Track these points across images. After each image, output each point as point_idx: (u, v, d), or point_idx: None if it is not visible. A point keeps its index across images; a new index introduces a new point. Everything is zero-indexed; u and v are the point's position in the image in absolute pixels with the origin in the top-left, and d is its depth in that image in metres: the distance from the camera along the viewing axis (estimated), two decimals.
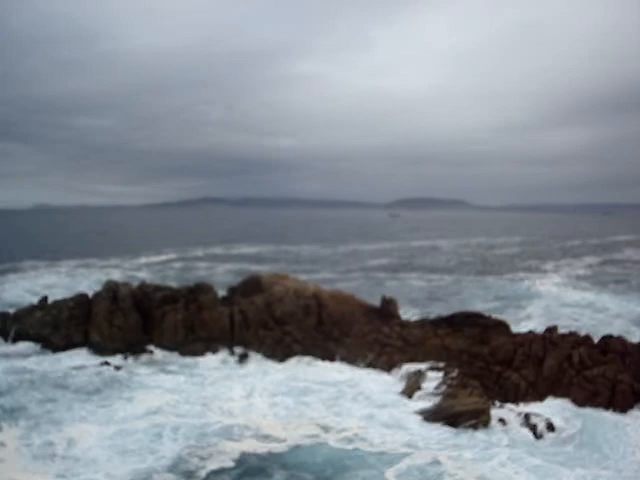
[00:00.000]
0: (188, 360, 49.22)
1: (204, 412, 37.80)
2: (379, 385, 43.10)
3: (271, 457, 31.94)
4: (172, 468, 30.40)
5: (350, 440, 33.74)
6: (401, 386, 42.49)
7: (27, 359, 49.08)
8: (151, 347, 51.41)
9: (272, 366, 47.55)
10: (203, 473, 30.22)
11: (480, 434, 34.93)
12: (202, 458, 31.53)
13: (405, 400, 40.39)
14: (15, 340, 53.89)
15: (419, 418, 37.17)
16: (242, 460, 31.53)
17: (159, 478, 29.53)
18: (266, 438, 34.01)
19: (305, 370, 46.52)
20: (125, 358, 49.47)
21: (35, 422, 35.53)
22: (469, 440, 34.27)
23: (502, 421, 36.02)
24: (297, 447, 32.95)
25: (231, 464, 31.15)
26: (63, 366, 47.24)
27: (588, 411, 38.26)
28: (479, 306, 70.23)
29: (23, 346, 52.84)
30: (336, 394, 41.25)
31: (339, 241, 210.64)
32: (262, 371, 46.49)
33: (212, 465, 30.95)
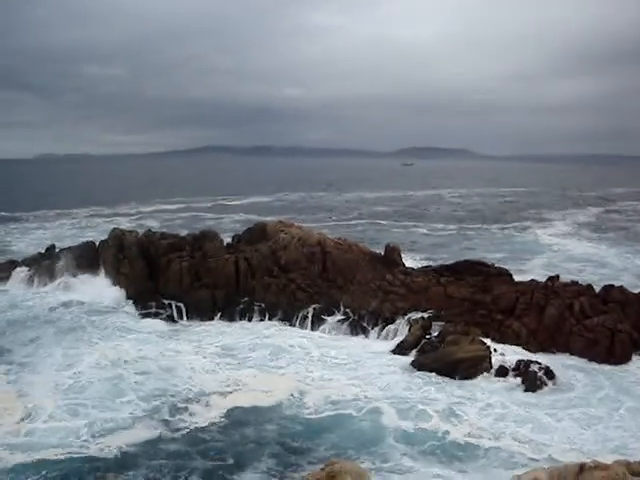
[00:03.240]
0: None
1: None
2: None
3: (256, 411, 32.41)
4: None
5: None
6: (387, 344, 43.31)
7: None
8: (157, 295, 52.14)
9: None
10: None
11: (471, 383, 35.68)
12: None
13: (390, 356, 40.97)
14: None
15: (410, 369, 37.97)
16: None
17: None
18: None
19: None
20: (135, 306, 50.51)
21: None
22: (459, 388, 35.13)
23: (502, 368, 36.63)
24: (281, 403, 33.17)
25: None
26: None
27: (588, 364, 38.86)
28: (483, 255, 70.56)
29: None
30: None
31: (345, 189, 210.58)
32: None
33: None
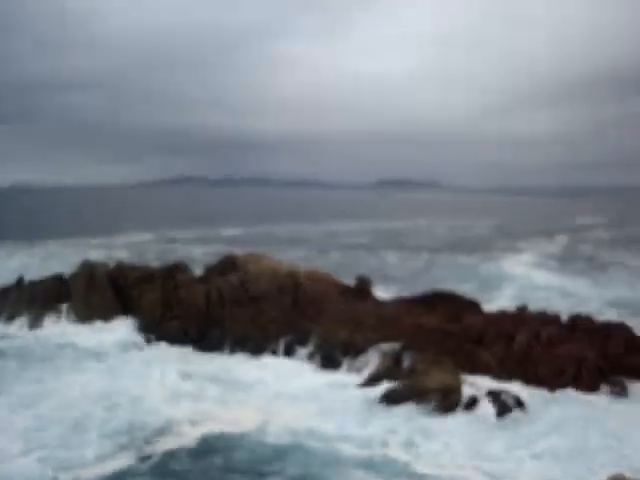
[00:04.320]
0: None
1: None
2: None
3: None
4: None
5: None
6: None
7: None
8: (127, 326, 51.88)
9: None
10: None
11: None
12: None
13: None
14: None
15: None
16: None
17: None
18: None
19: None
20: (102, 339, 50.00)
21: None
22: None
23: (472, 399, 36.86)
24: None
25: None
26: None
27: (556, 392, 39.36)
28: (452, 285, 71.10)
29: None
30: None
31: (317, 220, 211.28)
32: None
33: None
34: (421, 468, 29.42)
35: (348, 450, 31.04)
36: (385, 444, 31.88)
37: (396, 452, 31.01)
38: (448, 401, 36.51)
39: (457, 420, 35.26)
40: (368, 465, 29.60)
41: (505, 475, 28.73)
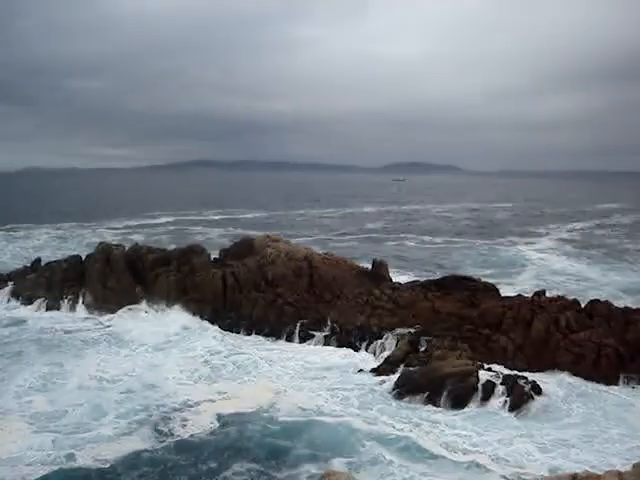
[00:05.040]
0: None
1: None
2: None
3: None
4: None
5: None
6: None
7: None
8: (144, 308, 52.02)
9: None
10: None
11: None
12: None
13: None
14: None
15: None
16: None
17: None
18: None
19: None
20: (119, 321, 50.13)
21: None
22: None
23: (489, 383, 36.50)
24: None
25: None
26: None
27: (576, 380, 38.72)
28: (470, 270, 70.88)
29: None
30: None
31: (333, 204, 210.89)
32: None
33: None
34: (433, 448, 29.51)
35: (358, 430, 31.23)
36: (400, 426, 31.95)
37: (409, 433, 31.10)
38: (464, 387, 36.18)
39: (472, 406, 35.01)
40: (379, 441, 29.91)
41: (517, 462, 28.46)
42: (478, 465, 27.96)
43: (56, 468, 27.04)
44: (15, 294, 54.93)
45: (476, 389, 35.88)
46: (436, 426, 32.15)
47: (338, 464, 27.59)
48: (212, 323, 49.61)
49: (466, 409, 34.73)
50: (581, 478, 14.36)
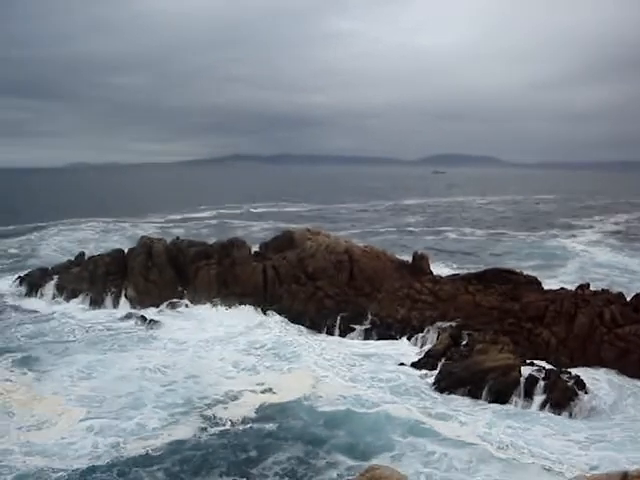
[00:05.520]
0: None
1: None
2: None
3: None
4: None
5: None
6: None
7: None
8: (186, 302, 52.53)
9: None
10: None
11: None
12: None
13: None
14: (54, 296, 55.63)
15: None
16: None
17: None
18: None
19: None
20: (161, 313, 50.71)
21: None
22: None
23: (532, 377, 36.06)
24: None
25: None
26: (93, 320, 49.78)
27: (620, 377, 37.81)
28: (512, 262, 70.08)
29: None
30: None
31: (372, 197, 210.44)
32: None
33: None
34: (473, 442, 29.37)
35: (398, 421, 31.24)
36: (441, 419, 31.90)
37: (450, 426, 31.11)
38: (506, 381, 35.81)
39: (514, 400, 34.69)
40: (419, 433, 29.99)
41: (557, 459, 28.01)
42: (517, 460, 27.71)
43: (102, 456, 27.70)
44: (59, 288, 55.82)
45: (518, 384, 35.47)
46: (477, 420, 31.91)
47: (377, 455, 27.81)
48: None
49: (507, 404, 34.46)
50: (632, 477, 13.97)
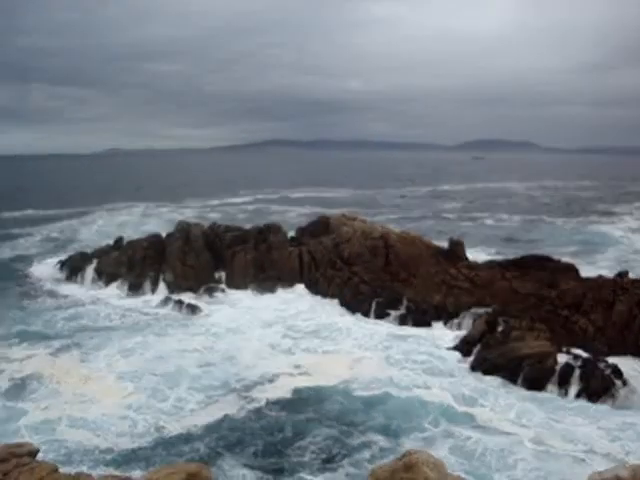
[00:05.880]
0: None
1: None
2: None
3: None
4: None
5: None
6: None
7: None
8: (222, 286, 53.12)
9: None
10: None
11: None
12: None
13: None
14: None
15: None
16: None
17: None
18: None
19: None
20: (198, 297, 51.28)
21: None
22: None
23: (568, 366, 35.75)
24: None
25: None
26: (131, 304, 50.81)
27: None
28: (549, 249, 69.25)
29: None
30: None
31: (409, 183, 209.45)
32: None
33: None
34: (506, 427, 29.43)
35: (432, 404, 31.41)
36: (475, 404, 31.98)
37: (484, 411, 31.13)
38: (542, 369, 35.59)
39: (549, 388, 34.50)
40: (452, 417, 30.14)
41: (590, 447, 27.83)
42: (551, 449, 27.61)
43: (142, 433, 28.71)
44: (99, 272, 56.78)
45: (554, 372, 35.24)
46: (511, 407, 31.82)
47: (411, 438, 28.06)
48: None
49: (543, 391, 34.28)
50: None
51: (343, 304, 49.01)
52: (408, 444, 26.98)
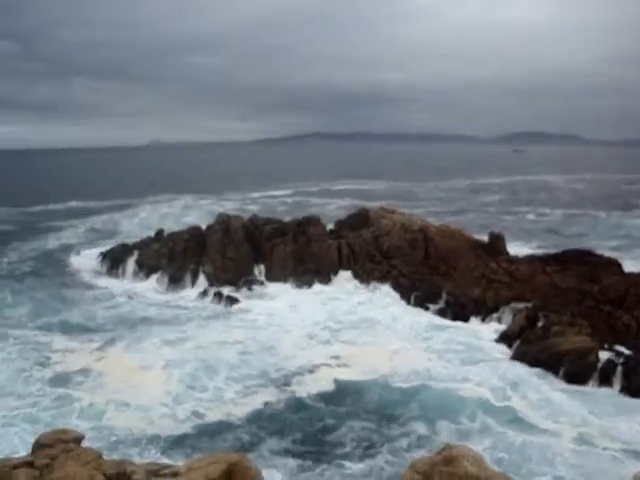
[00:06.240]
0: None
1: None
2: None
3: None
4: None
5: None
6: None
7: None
8: (261, 278, 53.47)
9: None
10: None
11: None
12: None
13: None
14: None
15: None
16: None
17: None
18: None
19: None
20: (237, 289, 51.62)
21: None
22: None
23: (610, 362, 35.24)
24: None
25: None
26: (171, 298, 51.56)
27: None
28: (591, 243, 68.26)
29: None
30: None
31: (450, 176, 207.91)
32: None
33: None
34: (542, 423, 29.16)
35: (470, 398, 31.40)
36: (514, 399, 31.72)
37: (522, 406, 30.88)
38: (582, 365, 35.14)
39: (590, 385, 34.13)
40: (490, 411, 30.06)
41: (627, 444, 27.45)
42: (591, 443, 27.45)
43: (185, 420, 29.38)
44: (140, 264, 57.48)
45: (595, 368, 34.83)
46: (550, 400, 31.59)
47: (450, 429, 28.25)
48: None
49: (583, 387, 33.90)
50: None
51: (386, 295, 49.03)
52: (446, 436, 27.28)
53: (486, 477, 12.12)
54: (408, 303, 47.71)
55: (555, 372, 35.05)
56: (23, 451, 20.47)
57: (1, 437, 26.68)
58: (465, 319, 44.71)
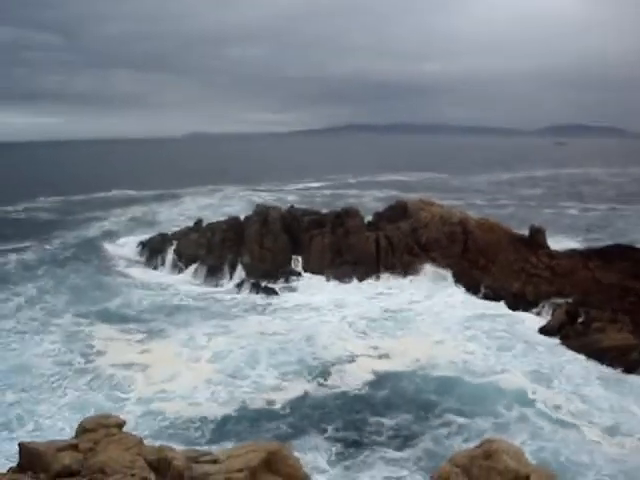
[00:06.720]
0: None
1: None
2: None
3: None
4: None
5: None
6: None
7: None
8: (299, 269, 53.56)
9: None
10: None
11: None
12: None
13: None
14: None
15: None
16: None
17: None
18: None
19: None
20: (275, 281, 51.73)
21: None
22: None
23: None
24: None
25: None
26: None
27: None
28: (636, 239, 66.96)
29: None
30: None
31: (489, 168, 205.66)
32: None
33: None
34: (576, 419, 28.80)
35: (507, 390, 31.35)
36: (552, 392, 31.47)
37: (561, 400, 30.59)
38: (625, 362, 34.53)
39: (633, 382, 33.22)
40: (527, 403, 30.03)
41: None
42: (626, 435, 27.26)
43: (226, 408, 29.87)
44: (178, 254, 57.89)
45: (637, 365, 34.18)
46: (588, 397, 31.14)
47: (486, 421, 28.24)
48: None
49: (622, 382, 33.19)
50: None
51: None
52: (483, 426, 27.49)
53: (525, 472, 11.95)
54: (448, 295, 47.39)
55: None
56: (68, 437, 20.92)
57: (51, 426, 27.39)
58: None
